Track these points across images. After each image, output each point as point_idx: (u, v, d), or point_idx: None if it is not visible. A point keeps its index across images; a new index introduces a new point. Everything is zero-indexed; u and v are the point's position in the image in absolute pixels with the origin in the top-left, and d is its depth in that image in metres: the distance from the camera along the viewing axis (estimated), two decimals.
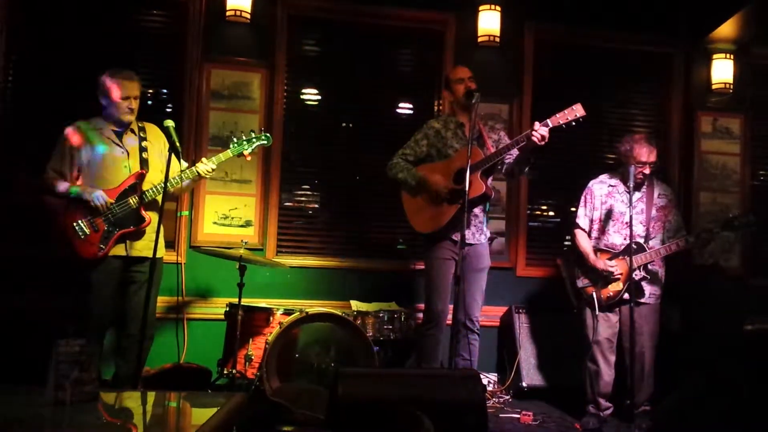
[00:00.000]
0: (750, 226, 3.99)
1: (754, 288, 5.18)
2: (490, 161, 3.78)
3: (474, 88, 3.90)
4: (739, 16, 5.01)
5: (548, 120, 3.60)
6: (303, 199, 5.17)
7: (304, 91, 5.18)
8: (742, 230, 4.06)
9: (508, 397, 4.71)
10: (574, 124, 3.60)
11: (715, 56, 5.43)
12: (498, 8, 5.06)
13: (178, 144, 3.31)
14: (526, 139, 3.65)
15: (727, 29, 5.21)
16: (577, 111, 3.57)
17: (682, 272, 4.85)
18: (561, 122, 3.59)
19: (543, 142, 3.58)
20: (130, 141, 3.79)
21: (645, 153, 3.99)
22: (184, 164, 3.97)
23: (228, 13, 4.73)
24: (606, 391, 4.09)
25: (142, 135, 3.82)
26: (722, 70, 5.40)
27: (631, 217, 3.83)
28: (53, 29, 4.73)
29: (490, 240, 4.20)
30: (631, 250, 3.84)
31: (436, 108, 5.23)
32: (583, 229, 4.21)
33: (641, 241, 3.99)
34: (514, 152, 3.89)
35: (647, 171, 4.04)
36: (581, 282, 4.16)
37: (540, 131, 3.56)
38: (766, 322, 4.58)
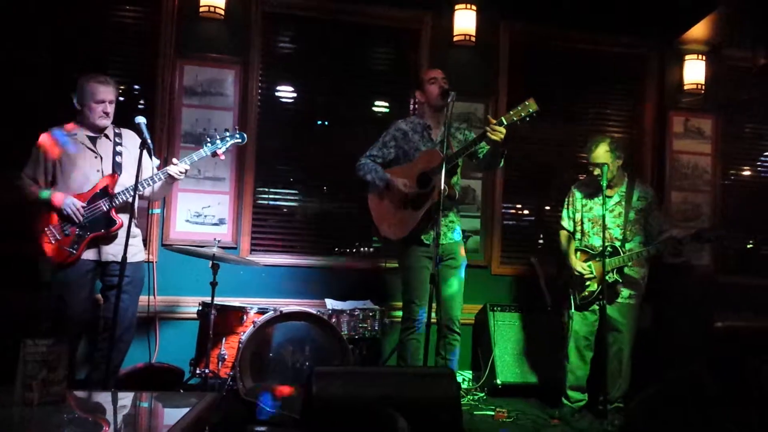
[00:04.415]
0: (720, 239, 4.07)
1: (725, 285, 5.26)
2: (449, 163, 3.76)
3: (448, 88, 3.90)
4: (710, 18, 5.09)
5: (502, 117, 3.66)
6: (277, 197, 5.13)
7: (279, 88, 5.14)
8: (712, 243, 4.12)
9: (482, 395, 4.72)
10: (528, 119, 3.62)
11: (687, 57, 5.51)
12: (474, 7, 5.07)
13: (149, 141, 3.30)
14: (482, 138, 3.73)
15: (699, 31, 5.29)
16: (530, 106, 3.58)
17: (653, 270, 4.91)
18: (515, 119, 3.62)
19: (501, 138, 3.63)
20: (105, 145, 3.75)
21: (590, 155, 4.09)
22: (157, 161, 3.93)
23: (201, 9, 4.68)
24: (579, 384, 4.19)
25: (117, 140, 3.78)
26: (694, 71, 5.48)
27: (603, 216, 3.94)
28: (23, 24, 4.63)
29: (466, 238, 4.21)
30: (604, 253, 3.94)
31: (411, 106, 5.23)
32: (567, 230, 4.30)
33: (617, 244, 4.03)
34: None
35: (595, 173, 4.09)
36: (561, 280, 4.26)
37: (494, 128, 3.62)
38: (735, 319, 4.66)
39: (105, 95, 3.66)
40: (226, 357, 3.89)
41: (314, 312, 3.93)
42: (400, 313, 4.20)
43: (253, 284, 4.76)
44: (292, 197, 5.17)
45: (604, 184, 3.91)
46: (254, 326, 3.81)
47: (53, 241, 3.56)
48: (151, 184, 3.71)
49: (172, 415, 2.12)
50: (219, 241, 4.00)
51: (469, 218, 5.08)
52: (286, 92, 5.19)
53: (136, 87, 4.92)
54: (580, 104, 5.59)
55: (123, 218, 3.64)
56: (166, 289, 4.66)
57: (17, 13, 4.61)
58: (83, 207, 3.58)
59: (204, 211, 4.76)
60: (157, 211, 4.68)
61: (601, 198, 4.07)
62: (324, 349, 3.87)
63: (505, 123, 3.62)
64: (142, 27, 4.88)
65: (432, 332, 3.47)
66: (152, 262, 4.60)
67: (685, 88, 5.50)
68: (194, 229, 4.73)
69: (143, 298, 4.45)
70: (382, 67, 5.40)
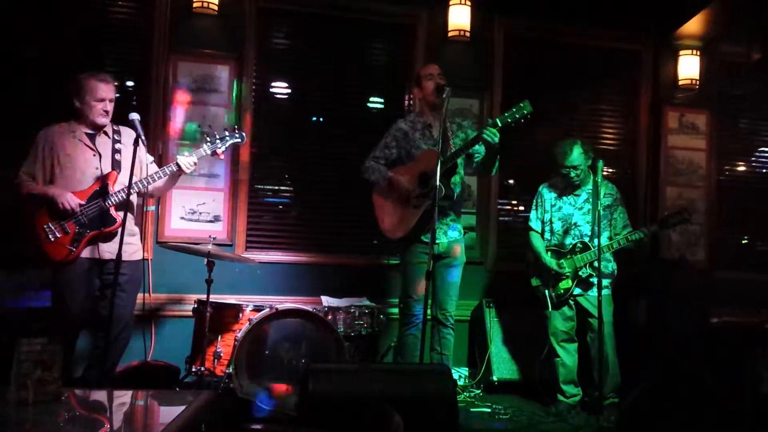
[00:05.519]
0: (684, 222, 4.17)
1: (720, 281, 5.28)
2: (446, 165, 3.77)
3: (444, 84, 3.90)
4: (705, 13, 5.09)
5: (497, 119, 3.66)
6: (272, 193, 5.11)
7: (273, 84, 5.13)
8: (676, 227, 4.26)
9: (479, 392, 4.72)
10: (523, 121, 3.63)
11: (681, 52, 5.52)
12: (468, 3, 5.06)
13: (143, 137, 3.33)
14: (478, 139, 3.72)
15: (693, 26, 5.29)
16: (525, 108, 3.60)
17: (648, 265, 4.92)
18: (509, 120, 3.63)
19: (495, 140, 3.64)
20: (103, 143, 3.73)
21: (565, 159, 4.16)
22: (150, 158, 3.92)
23: (195, 5, 4.66)
24: (571, 377, 4.24)
25: (116, 137, 3.76)
26: (689, 67, 5.49)
27: (575, 215, 4.19)
28: (16, 21, 4.59)
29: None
30: (576, 249, 4.15)
31: (406, 102, 5.22)
32: (536, 231, 4.39)
33: (587, 240, 4.16)
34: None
35: (572, 175, 4.18)
36: (534, 281, 4.35)
37: (490, 130, 3.62)
38: (731, 315, 4.68)
39: (105, 93, 3.64)
40: (221, 355, 3.88)
41: (310, 309, 3.93)
42: (395, 310, 4.19)
43: (248, 281, 4.75)
44: (287, 194, 5.16)
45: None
46: (250, 324, 3.80)
47: (52, 239, 3.53)
48: (156, 179, 3.70)
49: (168, 413, 2.11)
50: (214, 239, 4.00)
51: (465, 215, 5.05)
52: (280, 88, 5.17)
53: (130, 83, 4.89)
54: (574, 99, 5.59)
55: (122, 216, 3.62)
56: (161, 286, 4.64)
57: (10, 10, 4.58)
58: (81, 204, 3.55)
59: (199, 208, 4.74)
60: (151, 208, 4.66)
61: (570, 197, 4.26)
62: (320, 347, 3.86)
63: (500, 125, 3.64)
64: (135, 23, 4.84)
65: (428, 328, 3.48)
66: (147, 259, 4.57)
67: (680, 83, 5.51)
68: (189, 226, 4.72)
69: (138, 296, 4.44)
70: (377, 62, 5.39)
